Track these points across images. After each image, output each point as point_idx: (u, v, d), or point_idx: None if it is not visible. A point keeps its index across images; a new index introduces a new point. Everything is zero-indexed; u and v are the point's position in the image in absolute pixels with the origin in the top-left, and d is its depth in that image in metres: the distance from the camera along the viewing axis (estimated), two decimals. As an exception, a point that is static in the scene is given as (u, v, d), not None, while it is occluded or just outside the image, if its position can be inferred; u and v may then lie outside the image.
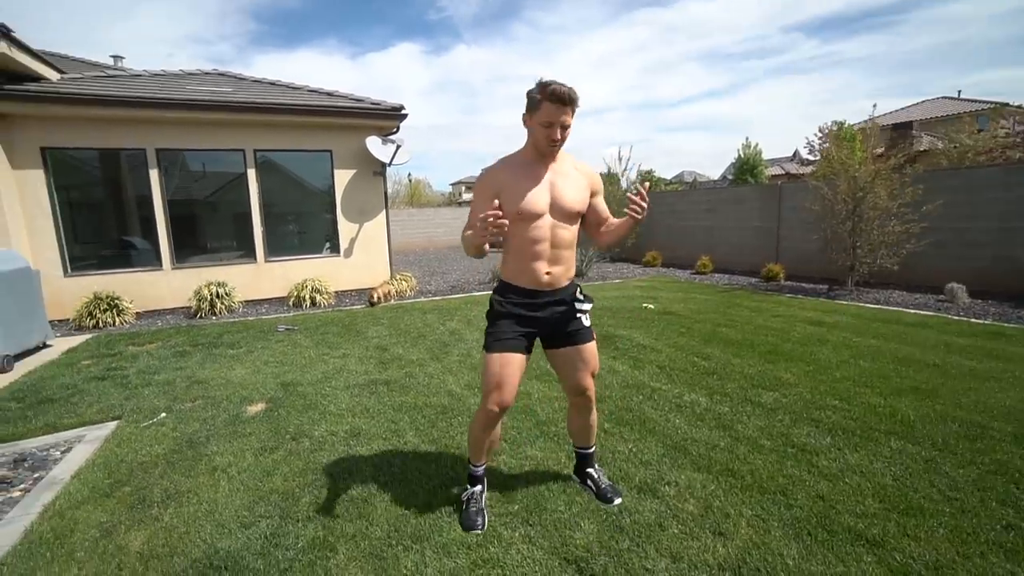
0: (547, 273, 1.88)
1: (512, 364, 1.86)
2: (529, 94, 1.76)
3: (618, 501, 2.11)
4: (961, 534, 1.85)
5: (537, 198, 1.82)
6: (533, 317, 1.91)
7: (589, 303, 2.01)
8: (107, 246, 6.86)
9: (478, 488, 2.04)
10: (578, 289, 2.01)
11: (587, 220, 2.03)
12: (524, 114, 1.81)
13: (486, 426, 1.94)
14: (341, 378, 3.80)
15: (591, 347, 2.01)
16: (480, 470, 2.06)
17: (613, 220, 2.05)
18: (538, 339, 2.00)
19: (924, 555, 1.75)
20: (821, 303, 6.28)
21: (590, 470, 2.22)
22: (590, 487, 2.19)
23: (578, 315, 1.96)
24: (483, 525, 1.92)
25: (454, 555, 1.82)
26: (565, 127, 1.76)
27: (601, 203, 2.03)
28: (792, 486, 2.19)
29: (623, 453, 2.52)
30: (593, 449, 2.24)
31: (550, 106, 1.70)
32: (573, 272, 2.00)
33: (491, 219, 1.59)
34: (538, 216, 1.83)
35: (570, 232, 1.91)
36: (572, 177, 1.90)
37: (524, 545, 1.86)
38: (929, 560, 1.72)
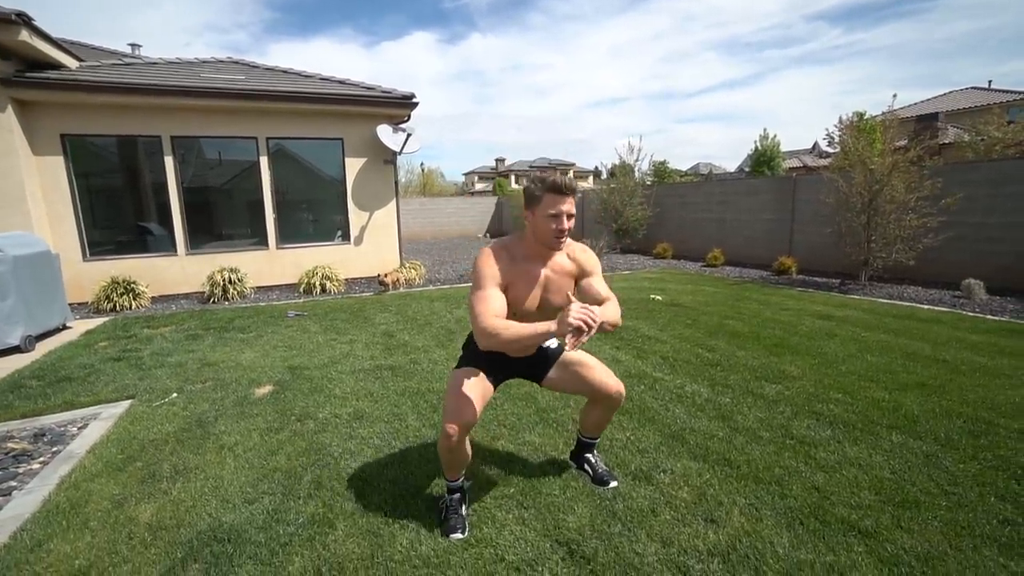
0: None
1: (477, 386, 1.85)
2: (527, 190, 1.78)
3: (613, 484, 2.14)
4: (956, 527, 1.84)
5: (532, 300, 1.84)
6: (506, 363, 1.96)
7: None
8: (124, 232, 7.03)
9: (456, 495, 1.96)
10: None
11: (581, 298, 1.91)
12: (526, 211, 1.82)
13: (448, 448, 1.79)
14: (347, 363, 3.87)
15: (572, 353, 2.00)
16: (457, 483, 1.96)
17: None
18: (531, 381, 2.08)
19: (916, 547, 1.75)
20: (832, 297, 6.19)
21: (588, 455, 2.25)
22: (586, 471, 2.22)
23: (549, 347, 2.03)
24: (463, 530, 1.85)
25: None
26: (570, 216, 1.75)
27: (595, 283, 1.89)
28: (788, 477, 2.20)
29: (621, 441, 2.54)
30: (599, 439, 2.28)
31: (552, 197, 1.72)
32: None
33: (586, 314, 1.50)
34: (528, 314, 1.85)
35: None
36: (562, 272, 1.89)
37: (517, 527, 1.90)
38: (920, 552, 1.72)
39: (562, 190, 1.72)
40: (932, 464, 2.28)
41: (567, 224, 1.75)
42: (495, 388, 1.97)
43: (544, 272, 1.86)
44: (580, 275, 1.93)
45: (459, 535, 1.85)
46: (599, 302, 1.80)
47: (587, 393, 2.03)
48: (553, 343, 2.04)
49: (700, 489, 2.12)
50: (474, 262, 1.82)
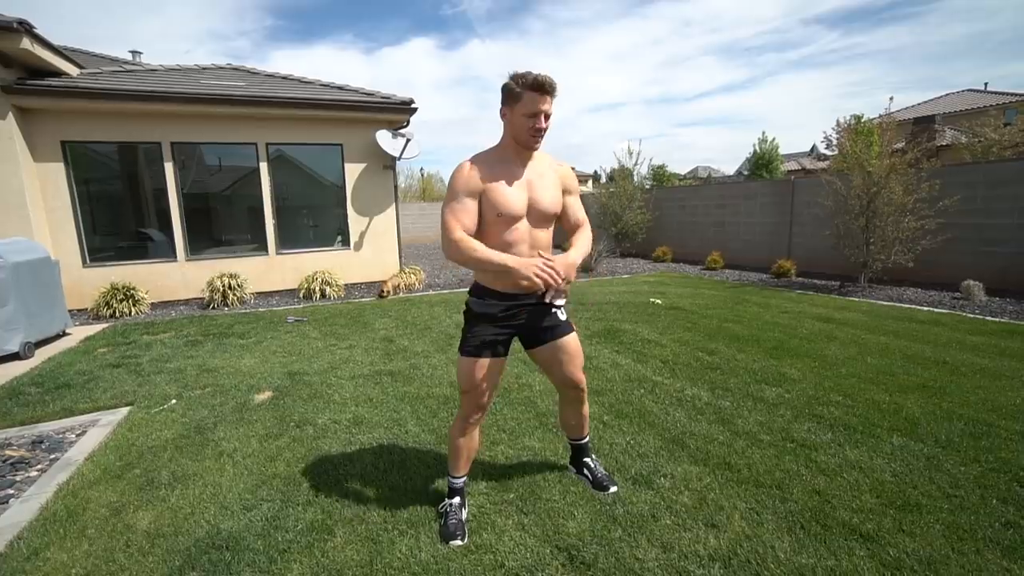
0: None
1: (487, 368, 1.84)
2: (506, 86, 1.72)
3: (613, 489, 2.13)
4: (958, 531, 1.83)
5: (516, 200, 1.76)
6: (510, 318, 1.87)
7: (563, 298, 1.99)
8: (124, 238, 7.03)
9: (456, 500, 1.97)
10: None
11: (560, 219, 1.97)
12: (503, 108, 1.76)
13: (465, 429, 1.91)
14: (347, 368, 3.87)
15: (572, 339, 1.97)
16: (460, 482, 1.99)
17: (574, 240, 2.01)
18: (518, 340, 1.99)
19: (918, 550, 1.74)
20: (832, 300, 6.19)
21: (587, 459, 2.24)
22: (586, 476, 2.21)
23: (553, 311, 1.94)
24: (463, 536, 1.85)
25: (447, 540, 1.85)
26: (547, 116, 1.72)
27: (573, 203, 1.97)
28: (789, 480, 2.19)
29: (620, 445, 2.54)
30: (587, 439, 2.25)
31: (532, 95, 1.67)
32: None
33: (551, 271, 1.62)
34: (517, 219, 1.78)
35: (547, 234, 1.88)
36: (548, 177, 1.86)
37: (517, 532, 1.89)
38: (923, 555, 1.71)
39: (544, 88, 1.66)
40: (933, 467, 2.27)
41: (544, 124, 1.72)
42: (505, 355, 1.91)
43: (525, 173, 1.81)
44: (565, 190, 1.93)
45: (459, 541, 1.84)
46: (576, 224, 1.98)
47: (555, 378, 2.02)
48: (562, 315, 1.96)
49: (700, 493, 2.11)
50: (452, 173, 1.79)
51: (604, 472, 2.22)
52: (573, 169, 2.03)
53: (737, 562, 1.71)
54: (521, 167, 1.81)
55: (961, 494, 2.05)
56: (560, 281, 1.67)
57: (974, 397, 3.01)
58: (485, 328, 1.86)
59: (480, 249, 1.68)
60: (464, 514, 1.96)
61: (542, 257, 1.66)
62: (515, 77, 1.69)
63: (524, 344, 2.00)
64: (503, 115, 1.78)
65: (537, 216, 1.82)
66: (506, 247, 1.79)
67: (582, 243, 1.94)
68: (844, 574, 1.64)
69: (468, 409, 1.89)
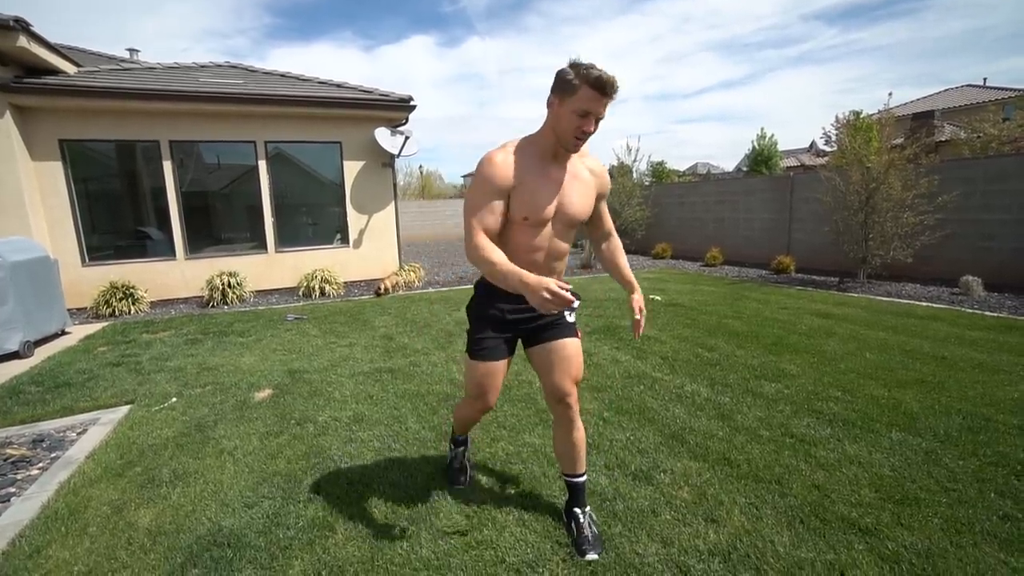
0: None
1: (495, 372, 1.80)
2: (562, 75, 1.48)
3: (593, 556, 1.72)
4: (956, 524, 1.84)
5: (547, 204, 1.60)
6: (517, 320, 1.77)
7: (577, 301, 1.78)
8: (123, 236, 7.02)
9: (461, 449, 2.21)
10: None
11: (588, 224, 1.87)
12: (551, 97, 1.53)
13: (471, 421, 2.11)
14: (347, 366, 3.87)
15: (573, 343, 1.78)
16: (464, 436, 2.22)
17: (623, 264, 1.92)
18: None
19: (916, 544, 1.75)
20: (831, 295, 6.20)
21: (576, 509, 1.85)
22: (571, 530, 1.83)
23: (564, 312, 1.69)
24: (466, 481, 2.10)
25: (448, 537, 1.87)
26: (599, 120, 1.52)
27: (603, 208, 1.87)
28: (788, 475, 2.20)
29: (620, 441, 2.54)
30: (584, 479, 1.87)
31: (590, 93, 1.44)
32: (563, 278, 1.82)
33: (563, 296, 1.34)
34: (543, 224, 1.63)
35: (567, 242, 1.74)
36: (583, 181, 1.68)
37: (518, 528, 1.90)
38: (921, 548, 1.72)
39: (605, 89, 1.43)
40: (932, 461, 2.28)
41: (593, 128, 1.51)
42: (511, 354, 1.83)
43: (561, 173, 1.63)
44: (599, 195, 1.78)
45: (462, 485, 2.17)
46: (608, 232, 1.93)
47: (545, 385, 1.81)
48: (571, 318, 1.82)
49: (700, 489, 2.12)
50: (478, 164, 1.58)
51: (594, 533, 1.80)
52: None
53: (737, 556, 1.72)
54: (558, 165, 1.63)
55: (959, 488, 2.06)
56: (573, 306, 1.39)
57: (972, 392, 3.02)
58: (491, 329, 1.77)
59: (499, 262, 1.46)
60: (468, 458, 2.25)
61: (558, 283, 1.37)
62: (575, 67, 1.46)
63: (524, 343, 1.89)
64: (550, 104, 1.54)
65: (562, 222, 1.67)
66: (525, 251, 1.65)
67: (625, 260, 1.93)
68: (843, 568, 1.65)
69: (476, 409, 1.94)
